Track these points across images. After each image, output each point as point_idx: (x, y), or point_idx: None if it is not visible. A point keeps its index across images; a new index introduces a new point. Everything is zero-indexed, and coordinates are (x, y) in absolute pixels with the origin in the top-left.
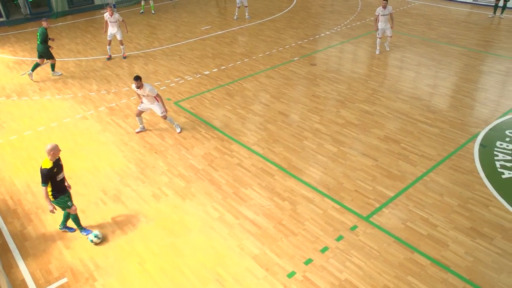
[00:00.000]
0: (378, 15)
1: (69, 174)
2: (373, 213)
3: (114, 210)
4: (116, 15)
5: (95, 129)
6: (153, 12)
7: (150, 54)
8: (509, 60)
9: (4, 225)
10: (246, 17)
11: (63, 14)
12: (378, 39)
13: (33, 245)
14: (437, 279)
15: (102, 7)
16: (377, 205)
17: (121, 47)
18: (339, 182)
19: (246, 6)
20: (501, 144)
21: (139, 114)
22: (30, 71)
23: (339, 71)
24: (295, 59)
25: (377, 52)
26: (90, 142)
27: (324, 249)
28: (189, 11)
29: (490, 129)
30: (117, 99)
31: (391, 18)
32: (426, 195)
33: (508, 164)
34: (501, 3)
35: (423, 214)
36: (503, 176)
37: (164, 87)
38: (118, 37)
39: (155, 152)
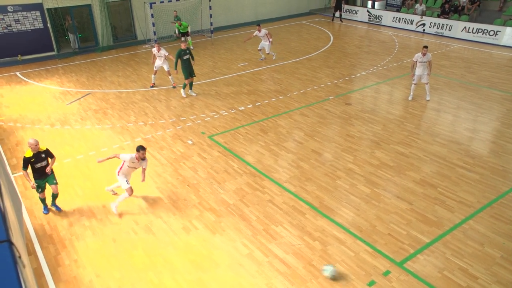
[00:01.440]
0: (416, 61)
1: (103, 202)
2: (407, 258)
3: (145, 240)
4: (163, 51)
5: None
6: (192, 47)
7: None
8: None
9: (40, 250)
10: (273, 58)
11: (108, 48)
12: (413, 85)
13: (65, 271)
14: None
15: (144, 42)
16: (412, 251)
17: (170, 77)
18: (372, 225)
19: (268, 53)
20: None
21: None
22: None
23: (374, 111)
24: (330, 98)
25: (410, 98)
26: None
27: None
28: (227, 48)
29: None
30: (153, 131)
31: (429, 65)
32: (465, 244)
33: None
34: None
35: (461, 264)
36: None
37: (199, 121)
38: (165, 68)
39: (188, 185)
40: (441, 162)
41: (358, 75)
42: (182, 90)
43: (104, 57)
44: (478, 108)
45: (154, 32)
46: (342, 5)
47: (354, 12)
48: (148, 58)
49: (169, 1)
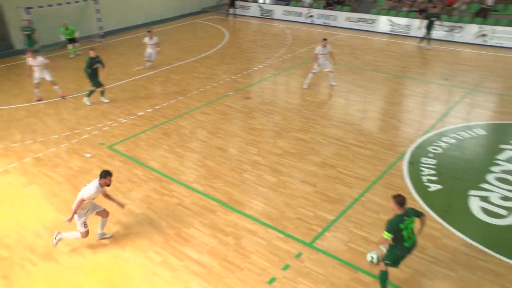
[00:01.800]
0: (318, 54)
1: None
2: (316, 238)
3: (46, 269)
4: (40, 58)
5: (19, 182)
6: (79, 52)
7: (81, 98)
8: (425, 83)
9: None
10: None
11: None
12: (310, 74)
13: None
14: None
15: (23, 52)
16: (320, 230)
17: (55, 87)
18: (281, 212)
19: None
20: (425, 160)
21: None
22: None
23: (274, 102)
24: (229, 94)
25: (305, 86)
26: (14, 197)
27: (272, 280)
28: (120, 52)
29: (416, 147)
30: (44, 148)
31: (331, 56)
32: (364, 215)
33: (433, 178)
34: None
35: (363, 233)
36: (429, 190)
37: (97, 132)
38: (48, 77)
39: None
40: (338, 143)
41: (255, 69)
42: (86, 99)
43: None
44: (365, 90)
45: (35, 41)
46: (236, 1)
47: (246, 8)
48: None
49: (49, 6)
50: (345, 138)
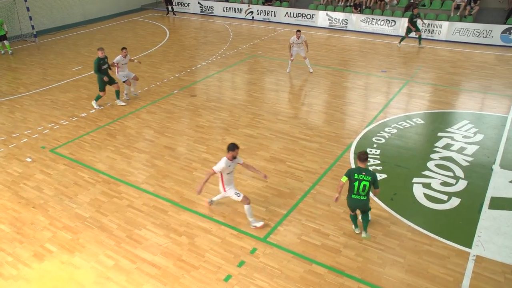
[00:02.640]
0: (293, 43)
1: None
2: (269, 233)
3: None
4: None
5: None
6: (10, 52)
7: (16, 101)
8: (365, 76)
9: None
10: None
11: None
12: (290, 61)
13: None
14: (335, 285)
15: None
16: (272, 225)
17: None
18: (234, 208)
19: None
20: (370, 151)
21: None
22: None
23: (220, 99)
24: (174, 92)
25: (288, 71)
26: None
27: (228, 278)
28: (57, 52)
29: (360, 138)
30: None
31: (305, 44)
32: (315, 207)
33: (378, 168)
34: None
35: (315, 226)
36: None
37: (37, 135)
38: None
39: (33, 207)
40: (286, 138)
41: (199, 66)
42: (94, 102)
43: None
44: (309, 84)
45: None
46: None
47: (186, 4)
48: None
49: None
50: (293, 133)
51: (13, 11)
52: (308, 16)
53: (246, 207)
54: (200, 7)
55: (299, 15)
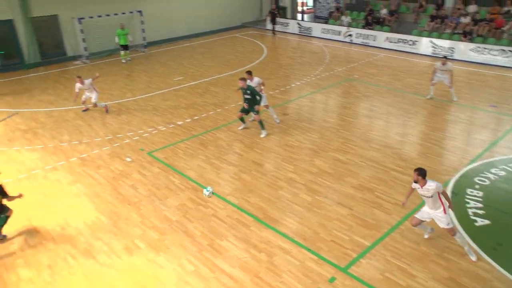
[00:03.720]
0: (437, 69)
1: (38, 228)
2: (351, 263)
3: (84, 265)
4: (87, 81)
5: (66, 180)
6: (123, 61)
7: (123, 104)
8: (470, 109)
9: None
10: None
11: (35, 65)
12: (431, 87)
13: None
14: None
15: (74, 58)
16: (355, 255)
17: (101, 104)
18: (316, 232)
19: (96, 104)
20: (471, 192)
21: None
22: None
23: (311, 120)
24: (267, 109)
25: (429, 97)
26: (61, 194)
27: None
28: (162, 62)
29: (460, 177)
30: (89, 149)
31: (449, 74)
32: (402, 244)
33: (480, 212)
34: None
35: (401, 264)
36: (476, 224)
37: (137, 138)
38: (93, 100)
39: (128, 204)
40: (376, 167)
41: (293, 85)
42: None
43: (32, 74)
44: (406, 113)
45: (85, 48)
46: (276, 18)
47: (285, 24)
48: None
49: (98, 16)
50: (384, 162)
51: (130, 24)
52: (410, 42)
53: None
54: (299, 27)
55: (400, 40)
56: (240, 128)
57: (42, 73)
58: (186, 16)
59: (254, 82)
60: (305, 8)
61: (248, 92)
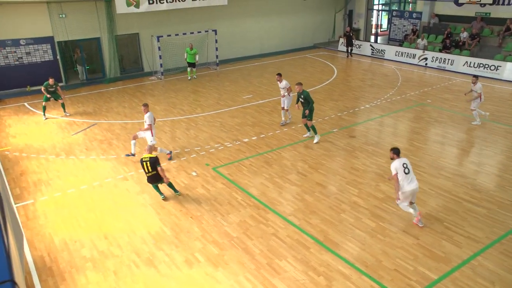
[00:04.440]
0: (480, 93)
1: (106, 234)
2: None
3: (146, 274)
4: (142, 133)
5: (134, 190)
6: (189, 78)
7: (193, 119)
8: None
9: (38, 283)
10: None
11: (115, 80)
12: (474, 111)
13: None
14: None
15: (150, 74)
16: None
17: (160, 151)
18: (378, 260)
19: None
20: None
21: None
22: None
23: (379, 144)
24: (334, 130)
25: (476, 122)
26: (129, 203)
27: None
28: (232, 80)
29: None
30: None
31: (472, 95)
32: (474, 282)
33: None
34: None
35: None
36: None
37: (204, 153)
38: (149, 142)
39: (191, 217)
40: (447, 196)
41: (362, 108)
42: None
43: (111, 88)
44: (483, 141)
45: (161, 64)
46: (353, 41)
47: (357, 46)
48: (155, 90)
49: (176, 35)
50: (456, 192)
51: (204, 42)
52: (492, 67)
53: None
54: (372, 49)
55: (481, 65)
56: (305, 135)
57: (121, 87)
58: (259, 36)
59: (283, 84)
60: (379, 30)
61: (302, 96)
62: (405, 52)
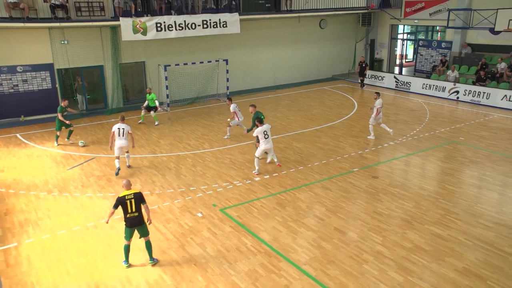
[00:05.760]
0: None
1: (97, 282)
2: None
3: None
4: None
5: None
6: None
7: (199, 155)
8: None
9: None
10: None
11: (118, 111)
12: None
13: None
14: None
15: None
16: None
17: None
18: None
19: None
20: None
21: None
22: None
23: (405, 186)
24: (354, 170)
25: None
26: None
27: None
28: (243, 113)
29: None
30: (160, 201)
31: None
32: None
33: None
34: None
35: None
36: None
37: (211, 192)
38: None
39: (194, 264)
40: (488, 249)
41: (386, 145)
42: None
43: (113, 119)
44: None
45: (167, 95)
46: (365, 72)
47: (380, 78)
48: (160, 122)
49: (184, 64)
50: (499, 244)
51: (215, 72)
52: None
53: None
54: (396, 81)
55: None
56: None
57: None
58: (273, 67)
59: (232, 107)
60: (404, 61)
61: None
62: (433, 85)
